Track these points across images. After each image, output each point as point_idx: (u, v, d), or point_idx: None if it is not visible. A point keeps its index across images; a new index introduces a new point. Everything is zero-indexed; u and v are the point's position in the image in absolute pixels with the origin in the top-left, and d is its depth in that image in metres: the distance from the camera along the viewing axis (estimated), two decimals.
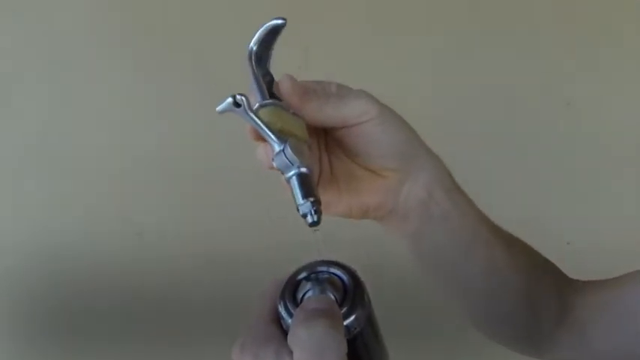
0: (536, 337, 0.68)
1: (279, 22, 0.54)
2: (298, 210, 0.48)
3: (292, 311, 0.44)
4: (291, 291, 0.46)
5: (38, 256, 1.29)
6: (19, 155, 1.29)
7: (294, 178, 0.48)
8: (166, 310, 1.31)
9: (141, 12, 1.26)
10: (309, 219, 0.47)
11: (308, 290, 0.45)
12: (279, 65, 1.24)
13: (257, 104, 0.51)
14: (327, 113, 0.54)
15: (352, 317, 0.44)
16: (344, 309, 0.44)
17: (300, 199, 0.48)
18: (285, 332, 0.43)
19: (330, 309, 0.43)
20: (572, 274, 0.71)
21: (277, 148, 0.49)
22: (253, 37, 0.55)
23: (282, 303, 0.45)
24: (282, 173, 0.49)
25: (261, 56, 0.55)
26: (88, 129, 1.28)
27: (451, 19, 1.29)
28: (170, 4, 1.27)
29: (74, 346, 1.33)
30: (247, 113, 0.49)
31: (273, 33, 0.55)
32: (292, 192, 0.48)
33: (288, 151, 0.48)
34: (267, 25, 0.54)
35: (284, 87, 0.54)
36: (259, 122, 0.49)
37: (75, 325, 1.32)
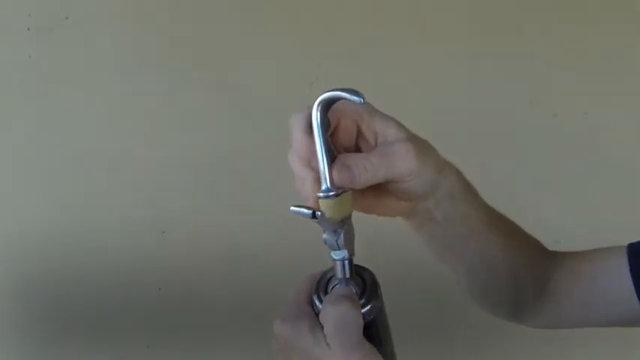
0: (518, 308, 0.77)
1: (357, 99, 0.52)
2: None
3: (323, 299, 0.56)
4: (323, 284, 0.58)
5: (61, 251, 1.34)
6: (51, 154, 1.34)
7: (342, 262, 0.56)
8: (188, 304, 1.37)
9: (169, 30, 1.33)
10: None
11: (336, 284, 0.57)
12: (292, 81, 1.30)
13: (326, 193, 0.55)
14: (376, 180, 0.57)
15: (368, 307, 0.55)
16: (362, 300, 0.56)
17: (342, 275, 0.57)
18: (317, 315, 0.55)
19: (352, 295, 0.55)
20: None
21: (333, 237, 0.56)
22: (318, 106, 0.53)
23: (316, 294, 0.57)
24: (330, 248, 0.57)
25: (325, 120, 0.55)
26: (113, 131, 1.34)
27: (454, 33, 1.35)
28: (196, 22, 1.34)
29: (95, 341, 1.38)
30: (321, 223, 0.54)
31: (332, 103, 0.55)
32: (337, 267, 0.57)
33: (341, 240, 0.56)
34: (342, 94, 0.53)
35: (341, 181, 0.55)
36: (326, 225, 0.55)
37: (96, 320, 1.37)
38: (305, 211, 0.54)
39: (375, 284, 0.57)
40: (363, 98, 0.52)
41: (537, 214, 1.33)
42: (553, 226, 1.32)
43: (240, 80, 1.32)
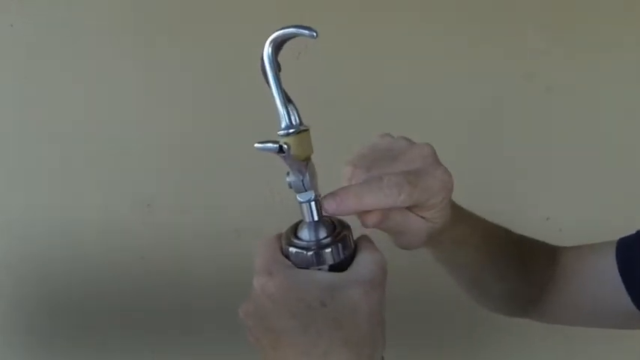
0: (520, 310, 0.81)
1: (309, 33, 0.52)
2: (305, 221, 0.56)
3: (292, 241, 0.55)
4: (292, 235, 0.56)
5: (50, 228, 1.34)
6: (33, 125, 1.32)
7: (308, 203, 0.55)
8: (172, 278, 1.37)
9: (159, 12, 1.30)
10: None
11: (304, 228, 0.56)
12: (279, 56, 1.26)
13: (286, 130, 0.54)
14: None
15: (345, 240, 0.55)
16: (336, 232, 0.55)
17: (310, 218, 0.56)
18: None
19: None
20: None
21: (299, 176, 0.54)
22: (269, 48, 0.54)
23: (287, 246, 0.55)
24: (295, 192, 0.55)
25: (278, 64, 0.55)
26: (96, 103, 1.32)
27: (441, 15, 1.32)
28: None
29: (83, 313, 1.38)
30: (287, 159, 0.53)
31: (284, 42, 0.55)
32: (304, 211, 0.56)
33: (307, 180, 0.54)
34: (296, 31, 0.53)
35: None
36: (292, 162, 0.53)
37: (84, 294, 1.37)
38: (271, 145, 0.52)
39: (343, 223, 0.57)
40: (316, 32, 0.51)
41: (528, 189, 1.34)
42: (543, 202, 1.33)
43: (225, 57, 1.30)
